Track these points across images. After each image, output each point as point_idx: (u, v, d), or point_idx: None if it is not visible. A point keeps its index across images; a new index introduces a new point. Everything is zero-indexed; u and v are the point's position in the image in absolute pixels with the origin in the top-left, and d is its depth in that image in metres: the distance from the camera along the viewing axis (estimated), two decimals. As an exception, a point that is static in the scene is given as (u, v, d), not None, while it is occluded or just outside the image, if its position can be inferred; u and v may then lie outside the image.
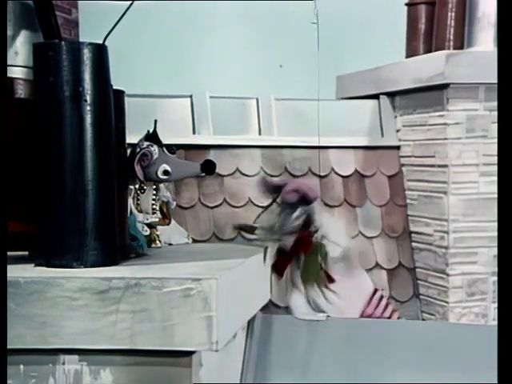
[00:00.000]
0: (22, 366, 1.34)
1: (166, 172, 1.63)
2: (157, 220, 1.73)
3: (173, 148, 1.69)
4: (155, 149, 1.64)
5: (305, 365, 1.79)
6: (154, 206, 1.73)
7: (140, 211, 1.71)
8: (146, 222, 1.70)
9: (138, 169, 1.58)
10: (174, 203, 1.83)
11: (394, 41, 2.90)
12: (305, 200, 1.76)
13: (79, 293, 1.32)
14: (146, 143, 1.64)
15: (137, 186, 1.69)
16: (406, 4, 2.87)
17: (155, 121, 1.68)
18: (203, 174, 1.66)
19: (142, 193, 1.69)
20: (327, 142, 2.68)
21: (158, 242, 1.75)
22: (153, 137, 1.66)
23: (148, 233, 1.72)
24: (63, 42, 1.39)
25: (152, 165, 1.61)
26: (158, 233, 1.76)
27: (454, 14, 2.64)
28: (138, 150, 1.62)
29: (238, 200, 2.60)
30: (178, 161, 1.65)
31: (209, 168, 1.63)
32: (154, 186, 1.74)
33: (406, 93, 2.71)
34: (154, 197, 1.73)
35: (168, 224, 1.77)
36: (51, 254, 1.41)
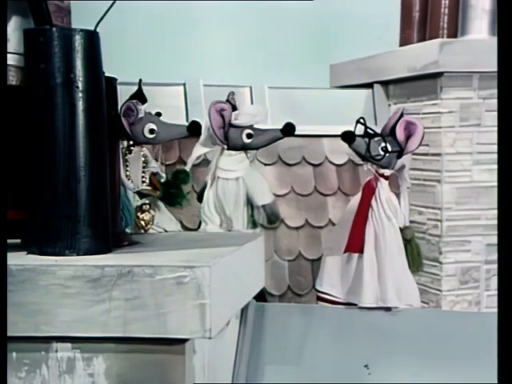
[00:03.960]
0: (14, 354, 1.34)
1: (152, 131, 1.63)
2: (147, 188, 1.72)
3: (159, 111, 1.70)
4: (141, 107, 1.64)
5: (299, 353, 1.80)
6: (144, 178, 1.73)
7: (129, 179, 1.70)
8: (137, 189, 1.69)
9: (124, 122, 1.57)
10: (164, 176, 1.83)
11: (388, 29, 2.89)
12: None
13: (72, 280, 1.31)
14: (135, 101, 1.64)
15: (124, 147, 1.68)
16: (400, -8, 2.87)
17: (140, 80, 1.68)
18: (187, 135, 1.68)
19: (130, 152, 1.68)
20: (321, 130, 2.68)
21: (148, 226, 1.75)
22: (138, 96, 1.66)
23: (139, 202, 1.71)
24: (54, 29, 1.38)
25: (137, 123, 1.61)
26: (149, 217, 1.75)
27: (447, 1, 2.63)
28: (123, 104, 1.61)
29: (231, 188, 2.59)
30: (164, 122, 1.66)
31: (195, 129, 1.65)
32: (143, 158, 1.74)
33: (400, 81, 2.70)
34: (143, 169, 1.73)
35: (159, 195, 1.77)
36: (43, 242, 1.40)
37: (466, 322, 1.88)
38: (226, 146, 1.88)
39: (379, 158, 1.80)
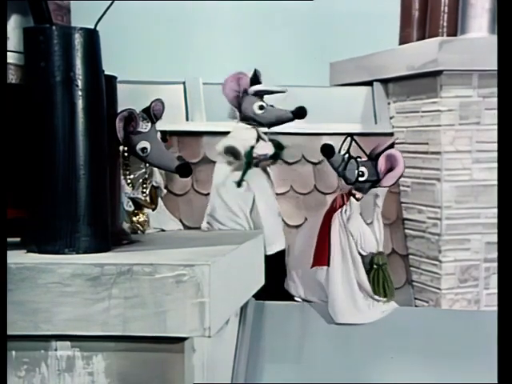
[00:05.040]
0: (13, 352, 1.34)
1: (143, 150, 1.63)
2: (143, 199, 1.72)
3: (166, 136, 1.70)
4: (147, 124, 1.63)
5: (298, 351, 1.80)
6: (144, 189, 1.73)
7: (129, 184, 1.70)
8: (132, 196, 1.69)
9: (118, 126, 1.56)
10: (165, 191, 1.83)
11: (388, 27, 2.89)
12: None
13: (71, 279, 1.32)
14: (141, 113, 1.65)
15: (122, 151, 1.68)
16: (400, -10, 2.86)
17: (152, 101, 1.69)
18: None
19: (124, 158, 1.67)
20: (320, 128, 2.67)
21: (144, 228, 1.75)
22: (148, 113, 1.67)
23: (132, 208, 1.71)
24: (54, 27, 1.38)
25: (136, 134, 1.60)
26: (144, 219, 1.75)
27: (447, 0, 2.63)
28: (126, 109, 1.61)
29: (231, 187, 2.59)
30: (161, 148, 1.64)
31: (183, 172, 1.63)
32: (147, 171, 1.73)
33: (400, 80, 2.70)
34: (145, 180, 1.73)
35: (153, 209, 1.78)
36: (43, 240, 1.40)
37: (466, 321, 1.88)
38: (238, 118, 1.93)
39: (351, 181, 1.79)
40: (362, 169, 1.80)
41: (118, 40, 2.77)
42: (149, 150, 1.62)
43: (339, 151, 1.83)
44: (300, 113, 1.92)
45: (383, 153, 1.80)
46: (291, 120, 1.96)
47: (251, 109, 1.93)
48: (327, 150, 1.79)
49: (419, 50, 2.57)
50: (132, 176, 1.71)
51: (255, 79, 1.96)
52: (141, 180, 1.73)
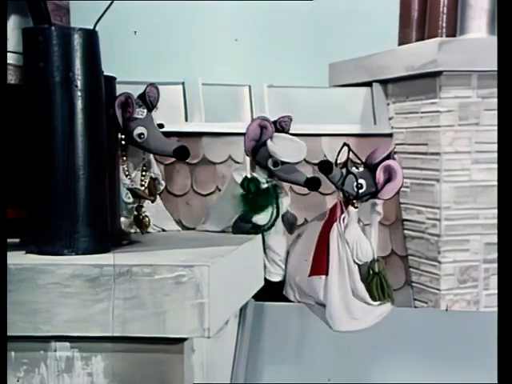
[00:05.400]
0: (13, 353, 1.34)
1: (140, 135, 1.62)
2: (142, 190, 1.72)
3: (161, 123, 1.70)
4: (143, 110, 1.63)
5: (297, 352, 1.80)
6: (144, 182, 1.73)
7: (127, 175, 1.70)
8: (130, 186, 1.69)
9: (117, 112, 1.56)
10: (163, 183, 1.83)
11: (387, 28, 2.89)
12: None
13: (70, 280, 1.32)
14: (137, 99, 1.64)
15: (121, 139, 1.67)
16: (399, -9, 2.86)
17: (147, 85, 1.68)
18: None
19: (122, 147, 1.66)
20: (319, 129, 2.67)
21: (146, 227, 1.75)
22: (143, 99, 1.66)
23: (131, 200, 1.71)
24: (53, 27, 1.39)
25: (132, 121, 1.60)
26: (145, 222, 1.75)
27: (446, 1, 2.63)
28: (122, 93, 1.60)
29: (230, 188, 2.58)
30: (158, 133, 1.64)
31: (181, 154, 1.63)
32: (146, 158, 1.73)
33: (399, 80, 2.70)
34: (143, 172, 1.73)
35: (152, 201, 1.77)
36: (42, 241, 1.40)
37: (465, 322, 1.88)
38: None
39: (353, 196, 1.77)
40: (361, 181, 1.79)
41: (117, 40, 2.77)
42: (146, 135, 1.62)
43: (336, 162, 1.82)
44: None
45: (381, 163, 1.79)
46: (303, 186, 1.87)
47: (265, 161, 1.83)
48: (326, 167, 1.78)
49: (418, 50, 2.57)
50: (130, 166, 1.71)
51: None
52: (139, 171, 1.73)
